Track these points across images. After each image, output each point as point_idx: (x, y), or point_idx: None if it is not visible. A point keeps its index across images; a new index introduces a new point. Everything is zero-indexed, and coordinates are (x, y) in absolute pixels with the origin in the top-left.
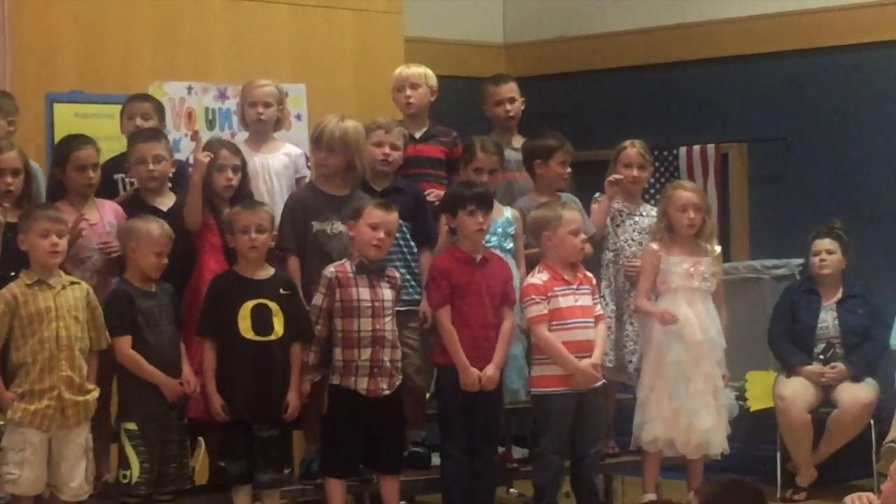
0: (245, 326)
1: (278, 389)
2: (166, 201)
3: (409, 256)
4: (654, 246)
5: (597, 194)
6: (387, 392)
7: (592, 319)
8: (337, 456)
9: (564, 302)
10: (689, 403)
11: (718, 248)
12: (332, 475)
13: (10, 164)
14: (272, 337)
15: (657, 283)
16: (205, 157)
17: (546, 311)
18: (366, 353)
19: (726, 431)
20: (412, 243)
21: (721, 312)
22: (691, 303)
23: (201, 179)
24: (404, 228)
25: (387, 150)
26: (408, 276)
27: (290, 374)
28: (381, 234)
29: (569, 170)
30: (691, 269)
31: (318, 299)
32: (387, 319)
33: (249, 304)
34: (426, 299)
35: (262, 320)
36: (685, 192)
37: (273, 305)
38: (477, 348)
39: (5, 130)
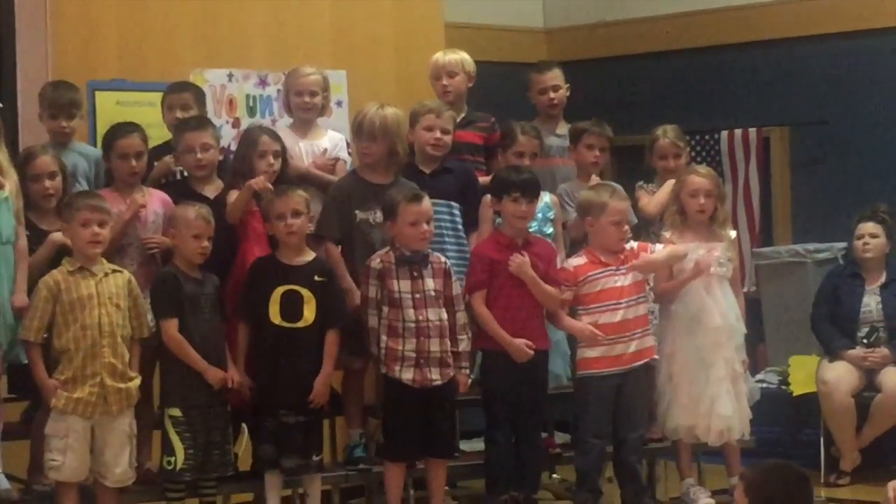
0: (273, 311)
1: (304, 376)
2: (213, 188)
3: (463, 240)
4: (667, 234)
5: (640, 182)
6: (438, 382)
7: (636, 297)
8: (393, 441)
9: (601, 285)
10: (710, 390)
11: (733, 234)
12: (389, 459)
13: (46, 169)
14: (300, 324)
15: (674, 271)
16: (263, 187)
17: (569, 297)
18: (410, 344)
19: (748, 416)
20: (460, 227)
21: (738, 297)
22: (709, 289)
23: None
24: (455, 210)
25: (438, 134)
26: (458, 262)
27: (320, 361)
28: (424, 227)
29: (597, 153)
30: (706, 256)
31: (371, 291)
32: (431, 309)
33: (280, 290)
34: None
35: (292, 306)
36: (698, 178)
37: (305, 292)
38: (520, 330)
39: (77, 125)
